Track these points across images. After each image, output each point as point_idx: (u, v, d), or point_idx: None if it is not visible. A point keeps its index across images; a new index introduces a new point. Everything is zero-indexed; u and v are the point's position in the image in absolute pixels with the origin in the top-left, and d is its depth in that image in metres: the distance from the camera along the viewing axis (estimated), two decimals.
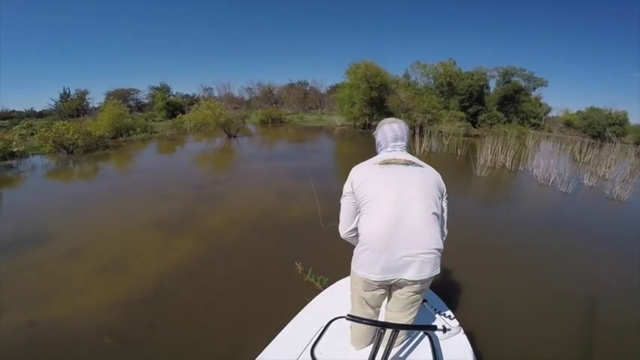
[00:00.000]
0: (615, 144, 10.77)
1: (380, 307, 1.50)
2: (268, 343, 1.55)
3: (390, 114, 19.07)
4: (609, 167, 8.75)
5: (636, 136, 19.46)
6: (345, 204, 1.50)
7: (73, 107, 24.67)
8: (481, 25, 65.05)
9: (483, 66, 22.45)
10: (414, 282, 1.32)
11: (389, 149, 1.53)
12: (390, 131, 1.54)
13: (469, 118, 20.78)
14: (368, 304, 1.45)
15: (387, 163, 1.43)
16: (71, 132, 10.45)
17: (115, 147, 11.78)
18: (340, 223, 1.56)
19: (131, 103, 29.46)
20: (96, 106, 25.54)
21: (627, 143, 14.18)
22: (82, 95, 26.47)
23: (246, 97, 35.84)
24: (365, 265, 1.33)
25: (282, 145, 13.85)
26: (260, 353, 1.49)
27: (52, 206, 5.31)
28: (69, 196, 5.93)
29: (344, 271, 3.19)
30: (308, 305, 1.93)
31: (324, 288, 2.79)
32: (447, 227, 1.52)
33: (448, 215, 1.52)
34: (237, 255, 3.64)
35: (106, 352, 2.21)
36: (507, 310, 2.77)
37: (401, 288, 1.37)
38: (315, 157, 10.79)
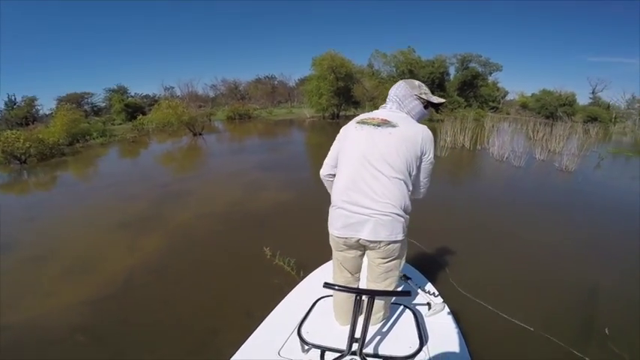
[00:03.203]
0: (566, 122, 11.65)
1: (358, 273, 1.56)
2: (253, 327, 1.57)
3: (356, 103, 19.49)
4: (559, 143, 9.46)
5: (584, 115, 21.01)
6: (331, 149, 1.54)
7: (21, 115, 22.93)
8: (439, 13, 66.81)
9: (443, 54, 23.27)
10: (373, 243, 1.36)
11: (380, 108, 1.54)
12: (390, 91, 1.55)
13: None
14: (345, 267, 1.52)
15: (362, 122, 1.44)
16: (22, 140, 9.74)
17: (72, 154, 11.15)
18: (323, 164, 1.58)
19: (86, 107, 27.76)
20: (47, 112, 23.92)
21: (576, 122, 15.34)
22: (30, 102, 24.58)
23: (211, 94, 34.85)
24: (331, 221, 1.43)
25: (250, 140, 13.71)
26: (249, 336, 1.51)
27: (10, 217, 5.02)
28: (26, 206, 5.66)
29: (309, 251, 3.34)
30: (296, 287, 1.96)
31: (293, 270, 2.91)
32: (424, 190, 1.53)
33: (429, 178, 1.50)
34: (205, 247, 3.65)
35: (80, 348, 2.21)
36: (486, 284, 2.80)
37: (372, 251, 1.42)
38: (286, 149, 10.83)
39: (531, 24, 61.54)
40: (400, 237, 1.37)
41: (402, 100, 1.47)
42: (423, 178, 1.49)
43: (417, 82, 1.51)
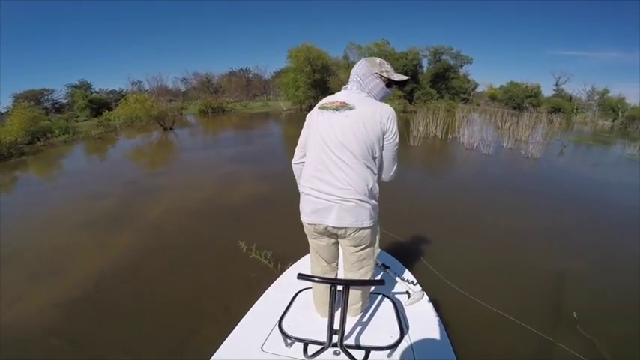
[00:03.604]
0: (531, 113, 12.21)
1: (335, 262, 1.55)
2: (233, 323, 1.54)
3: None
4: (525, 132, 9.92)
5: (549, 106, 22.15)
6: (300, 137, 1.51)
7: None
8: (413, 5, 67.71)
9: (416, 46, 23.65)
10: (341, 230, 1.35)
11: (342, 89, 1.46)
12: (352, 70, 1.46)
13: (406, 95, 21.89)
14: (320, 255, 1.52)
15: (323, 107, 1.40)
16: None
17: (33, 153, 10.44)
18: (295, 152, 1.55)
19: (47, 104, 26.12)
20: (3, 110, 22.26)
21: (541, 112, 16.13)
22: None
23: (183, 88, 33.70)
24: (301, 207, 1.42)
25: (224, 134, 13.44)
26: (230, 332, 1.48)
27: None
28: None
29: (286, 244, 3.34)
30: (276, 281, 1.93)
31: (270, 263, 2.89)
32: (393, 174, 1.46)
33: (394, 161, 1.43)
34: (179, 243, 3.56)
35: (55, 351, 2.12)
36: (461, 271, 2.87)
37: (344, 239, 1.41)
38: (261, 142, 10.71)
39: (500, 17, 63.67)
40: (367, 224, 1.34)
41: (363, 79, 1.40)
42: (387, 161, 1.42)
43: (378, 60, 1.43)
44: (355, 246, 1.41)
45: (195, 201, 4.88)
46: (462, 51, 24.69)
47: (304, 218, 1.41)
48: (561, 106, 22.10)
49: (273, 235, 3.55)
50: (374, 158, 1.34)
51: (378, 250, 1.50)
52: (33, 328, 2.36)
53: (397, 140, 1.38)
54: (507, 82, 27.16)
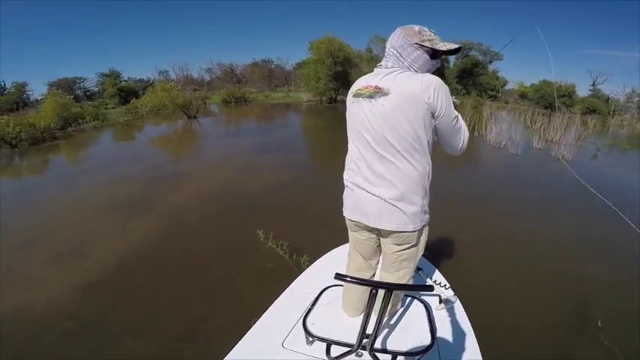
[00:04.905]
0: (564, 113, 11.58)
1: (372, 260, 1.46)
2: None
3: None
4: (557, 133, 9.42)
5: (583, 106, 20.91)
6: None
7: (12, 101, 22.48)
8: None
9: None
10: (383, 231, 1.25)
11: (377, 66, 1.25)
12: (387, 42, 1.24)
13: None
14: (357, 250, 1.44)
15: (357, 94, 1.23)
16: (12, 125, 9.57)
17: (64, 137, 10.94)
18: None
19: (78, 92, 27.27)
20: (38, 98, 23.44)
21: (575, 113, 15.28)
22: (20, 88, 24.17)
23: (207, 77, 34.23)
24: (343, 198, 1.36)
25: (246, 123, 13.57)
26: (251, 326, 1.46)
27: None
28: (15, 190, 5.53)
29: (303, 235, 3.29)
30: (301, 275, 1.87)
31: (286, 254, 2.86)
32: (459, 143, 1.23)
33: (460, 135, 1.21)
34: (198, 230, 3.61)
35: (68, 335, 2.17)
36: (489, 274, 2.80)
37: (384, 237, 1.31)
38: (281, 132, 10.70)
39: (534, 14, 60.51)
40: (409, 227, 1.20)
41: (401, 52, 1.17)
42: (448, 136, 1.20)
43: (416, 28, 1.19)
44: (397, 245, 1.28)
45: (216, 188, 4.94)
46: (492, 46, 23.72)
47: (345, 211, 1.35)
48: (597, 107, 20.77)
49: (290, 226, 3.53)
50: (422, 147, 1.15)
51: (420, 254, 1.35)
52: (49, 311, 2.40)
53: (453, 113, 1.15)
54: (539, 80, 25.84)
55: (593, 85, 27.19)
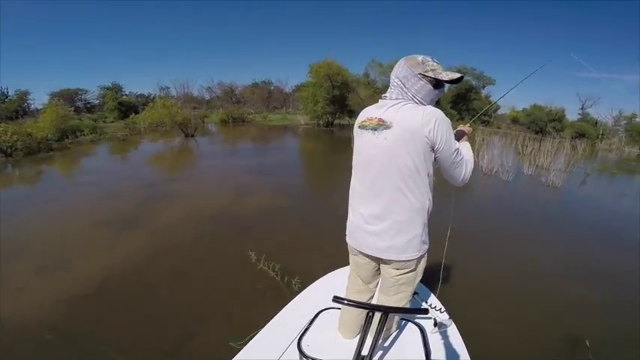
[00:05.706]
0: (554, 138, 11.89)
1: (371, 284, 1.50)
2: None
3: (351, 112, 19.56)
4: (547, 158, 9.63)
5: (572, 131, 21.47)
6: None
7: (12, 109, 22.55)
8: (437, 24, 67.89)
9: None
10: (385, 261, 1.30)
11: (381, 97, 1.30)
12: (392, 73, 1.27)
13: None
14: (358, 274, 1.48)
15: (362, 126, 1.28)
16: (9, 133, 9.59)
17: (60, 149, 10.97)
18: None
19: (79, 104, 27.51)
20: (39, 107, 23.57)
21: (565, 137, 15.63)
22: (22, 96, 24.28)
23: (207, 96, 34.79)
24: (347, 224, 1.42)
25: (242, 144, 13.67)
26: (245, 346, 1.46)
27: None
28: (4, 200, 5.49)
29: (296, 258, 3.30)
30: (297, 297, 1.88)
31: (277, 275, 2.87)
32: (459, 175, 1.26)
33: (462, 167, 1.24)
34: (189, 249, 3.59)
35: (46, 347, 2.13)
36: (492, 301, 2.83)
37: (384, 264, 1.35)
38: (276, 155, 10.79)
39: (525, 38, 62.97)
40: (408, 257, 1.25)
41: (405, 82, 1.21)
42: (448, 169, 1.23)
43: (420, 58, 1.22)
44: (396, 269, 1.32)
45: (209, 208, 4.93)
46: (484, 72, 24.55)
47: (346, 236, 1.42)
48: (586, 131, 21.31)
49: (283, 248, 3.53)
50: (423, 180, 1.19)
51: (418, 279, 1.39)
52: (30, 322, 2.37)
53: (453, 146, 1.18)
54: (530, 104, 26.61)
55: (582, 108, 28.06)
